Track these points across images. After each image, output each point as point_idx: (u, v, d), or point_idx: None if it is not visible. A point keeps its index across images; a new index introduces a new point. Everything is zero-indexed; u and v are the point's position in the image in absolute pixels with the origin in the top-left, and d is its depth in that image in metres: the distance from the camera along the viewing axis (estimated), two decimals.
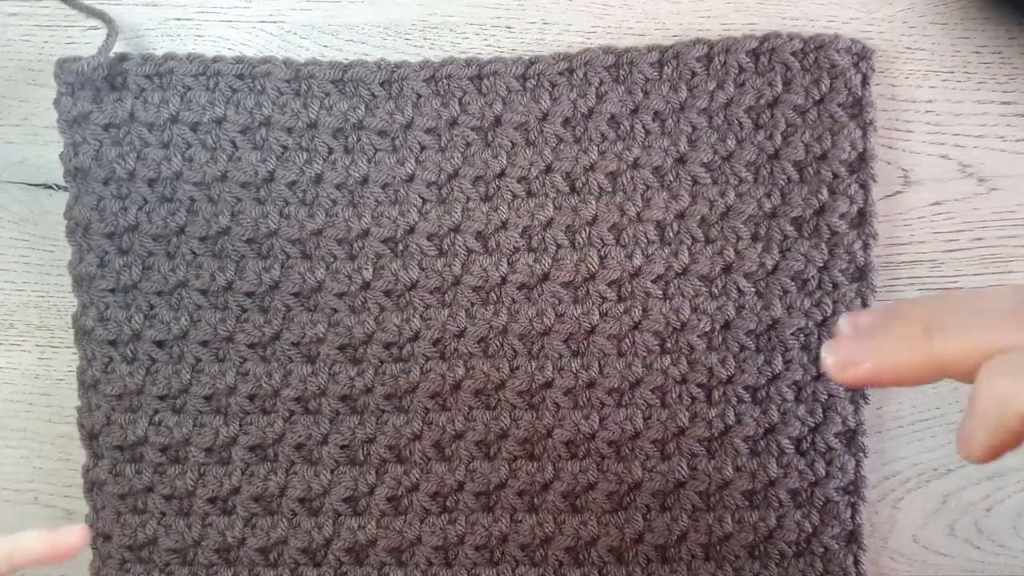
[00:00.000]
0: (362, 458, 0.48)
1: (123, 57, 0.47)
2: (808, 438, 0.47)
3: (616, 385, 0.47)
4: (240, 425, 0.48)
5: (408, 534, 0.48)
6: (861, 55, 0.46)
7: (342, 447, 0.48)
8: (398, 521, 0.48)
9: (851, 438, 0.47)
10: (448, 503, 0.48)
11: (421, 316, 0.48)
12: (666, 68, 0.47)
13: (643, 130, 0.47)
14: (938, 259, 0.47)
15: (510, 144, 0.47)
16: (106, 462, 0.48)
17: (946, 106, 0.48)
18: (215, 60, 0.47)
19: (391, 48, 0.49)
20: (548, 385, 0.47)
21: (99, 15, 0.48)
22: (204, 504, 0.48)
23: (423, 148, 0.47)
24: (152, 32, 0.49)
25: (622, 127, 0.47)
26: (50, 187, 0.49)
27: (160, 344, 0.48)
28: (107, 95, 0.47)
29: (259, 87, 0.47)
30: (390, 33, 0.49)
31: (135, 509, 0.48)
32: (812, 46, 0.46)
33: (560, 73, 0.47)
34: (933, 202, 0.47)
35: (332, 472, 0.48)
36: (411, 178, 0.47)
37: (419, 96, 0.47)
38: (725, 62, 0.47)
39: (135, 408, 0.48)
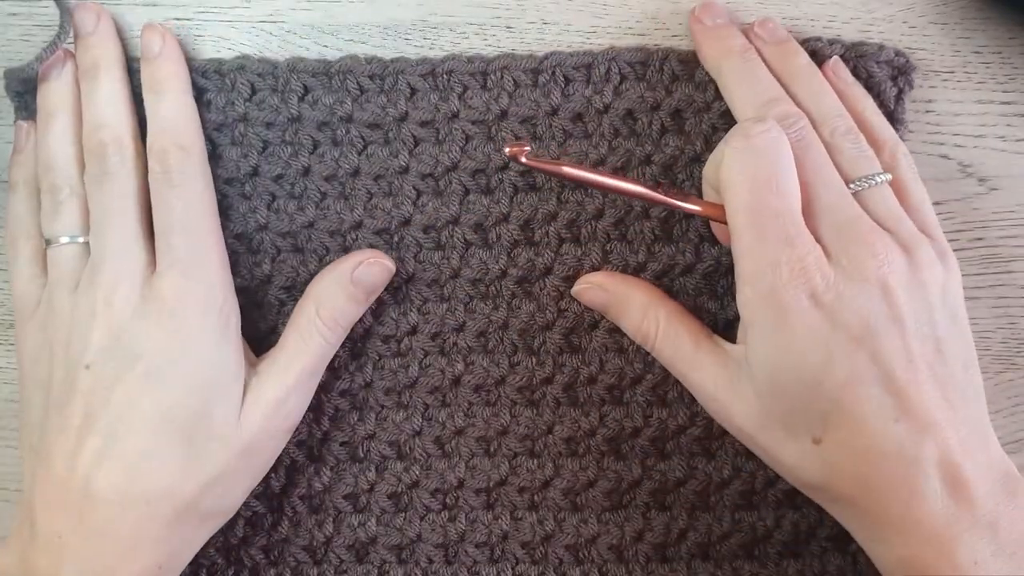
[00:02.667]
0: (362, 455, 0.48)
1: None
2: None
3: (616, 382, 0.47)
4: None
5: (409, 531, 0.48)
6: (901, 70, 0.46)
7: (342, 444, 0.48)
8: (399, 518, 0.48)
9: None
10: (448, 500, 0.48)
11: (419, 310, 0.48)
12: (700, 69, 0.46)
13: (660, 127, 0.47)
14: None
15: (514, 137, 0.47)
16: None
17: (946, 106, 0.48)
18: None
19: (391, 48, 0.48)
20: (548, 381, 0.47)
21: (60, 6, 0.46)
22: None
23: (418, 141, 0.47)
24: None
25: (638, 123, 0.47)
26: None
27: None
28: None
29: (229, 83, 0.47)
30: (390, 33, 0.49)
31: None
32: (853, 54, 0.46)
33: (576, 68, 0.47)
34: (933, 202, 0.47)
35: (332, 469, 0.48)
36: (405, 170, 0.47)
37: (414, 90, 0.47)
38: None
39: None
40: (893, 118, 0.46)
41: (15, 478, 0.51)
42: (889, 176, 0.43)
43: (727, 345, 0.44)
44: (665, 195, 0.43)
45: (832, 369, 0.39)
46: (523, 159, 0.41)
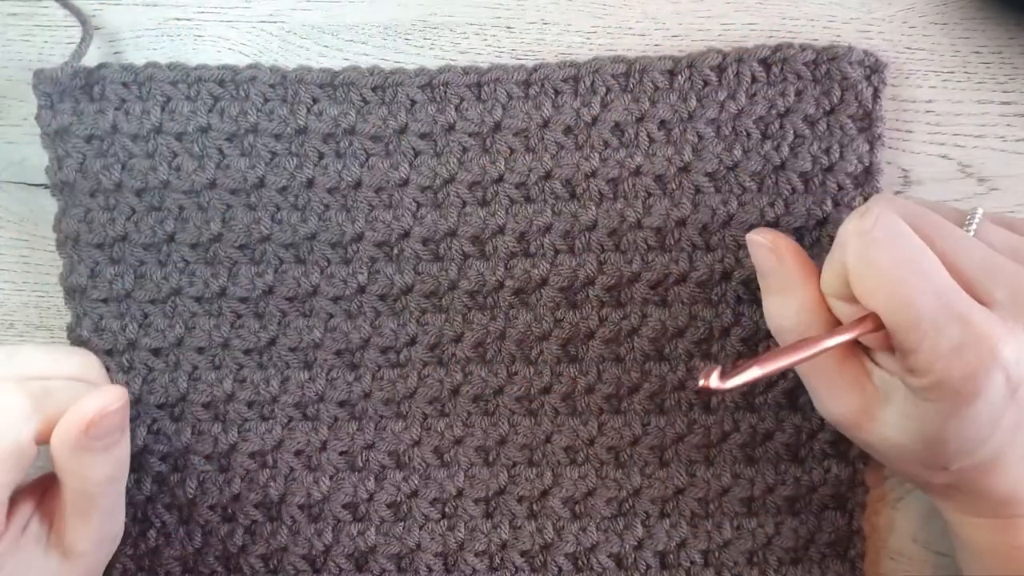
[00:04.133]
0: (361, 464, 0.48)
1: (101, 66, 0.47)
2: (805, 445, 0.47)
3: (614, 391, 0.47)
4: (239, 432, 0.48)
5: (408, 540, 0.48)
6: (874, 68, 0.46)
7: (341, 453, 0.48)
8: (398, 527, 0.48)
9: (848, 443, 0.47)
10: (448, 509, 0.48)
11: (417, 321, 0.48)
12: (678, 78, 0.46)
13: (647, 138, 0.47)
14: None
15: (508, 150, 0.47)
16: None
17: (946, 106, 0.48)
18: (196, 68, 0.47)
19: (391, 48, 0.48)
20: (546, 391, 0.47)
21: (75, 12, 0.47)
22: (205, 512, 0.48)
23: (417, 153, 0.47)
24: (152, 32, 0.49)
25: (626, 135, 0.47)
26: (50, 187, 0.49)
27: (156, 352, 0.48)
28: (87, 106, 0.47)
29: (243, 93, 0.47)
30: (390, 33, 0.48)
31: (136, 519, 0.48)
32: (825, 57, 0.46)
33: (564, 80, 0.47)
34: (933, 202, 0.47)
35: (331, 478, 0.48)
36: (405, 182, 0.47)
37: (413, 102, 0.47)
38: (738, 72, 0.46)
39: (134, 417, 0.47)
40: (872, 117, 0.46)
41: None
42: (982, 209, 0.41)
43: (878, 377, 0.41)
44: (819, 341, 0.39)
45: (998, 428, 0.38)
46: (724, 384, 0.37)
